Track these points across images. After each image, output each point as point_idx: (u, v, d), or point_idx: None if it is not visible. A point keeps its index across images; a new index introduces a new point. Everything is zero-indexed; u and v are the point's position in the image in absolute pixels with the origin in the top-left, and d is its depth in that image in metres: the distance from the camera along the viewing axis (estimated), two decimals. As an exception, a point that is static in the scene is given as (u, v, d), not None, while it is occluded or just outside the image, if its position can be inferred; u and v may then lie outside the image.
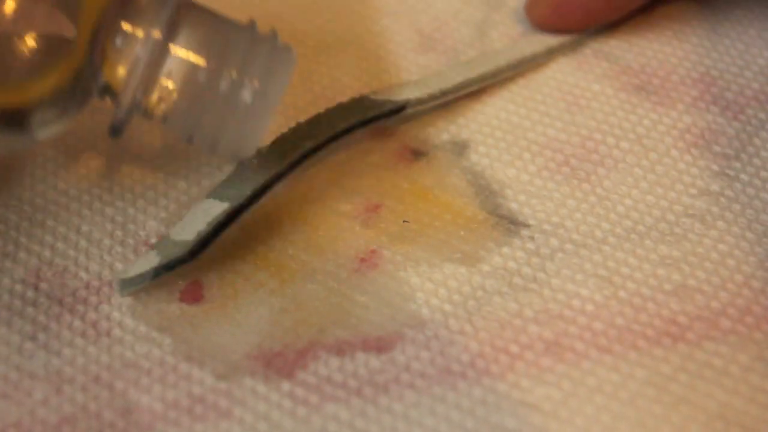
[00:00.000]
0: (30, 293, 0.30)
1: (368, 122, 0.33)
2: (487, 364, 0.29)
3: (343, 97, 0.34)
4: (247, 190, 0.31)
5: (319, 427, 0.28)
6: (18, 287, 0.31)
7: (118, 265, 0.31)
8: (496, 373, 0.29)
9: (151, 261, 0.30)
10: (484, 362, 0.29)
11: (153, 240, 0.32)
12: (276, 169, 0.32)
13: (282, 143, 0.32)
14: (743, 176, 0.33)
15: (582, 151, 0.34)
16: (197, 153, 0.34)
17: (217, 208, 0.31)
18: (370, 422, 0.28)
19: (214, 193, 0.32)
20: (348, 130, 0.33)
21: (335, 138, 0.33)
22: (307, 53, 0.37)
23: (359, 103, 0.34)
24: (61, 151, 0.34)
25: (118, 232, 0.32)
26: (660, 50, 0.37)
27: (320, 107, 0.34)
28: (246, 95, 0.30)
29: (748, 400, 0.28)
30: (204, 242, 0.31)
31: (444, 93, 0.35)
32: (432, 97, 0.34)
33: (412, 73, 0.36)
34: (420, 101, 0.34)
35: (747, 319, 0.30)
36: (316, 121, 0.33)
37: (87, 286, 0.31)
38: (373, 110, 0.33)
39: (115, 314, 0.30)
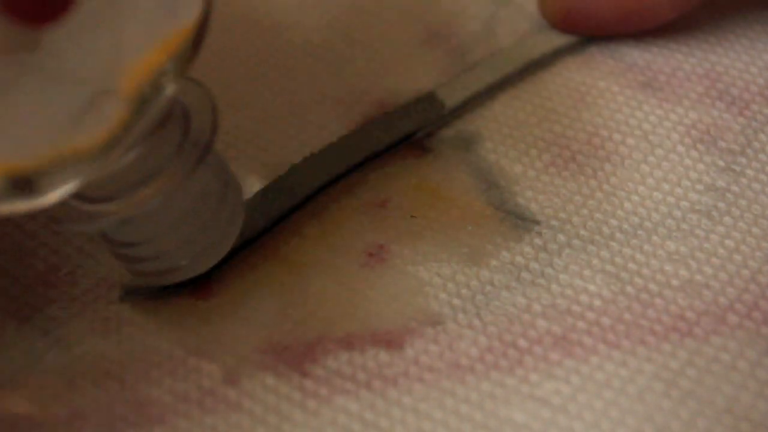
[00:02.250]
0: (43, 290, 0.31)
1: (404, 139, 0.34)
2: (496, 359, 0.29)
3: (350, 96, 0.34)
4: (275, 212, 0.32)
5: (329, 419, 0.28)
6: (32, 284, 0.31)
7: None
8: (505, 368, 0.29)
9: None
10: (492, 356, 0.29)
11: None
12: (307, 191, 0.32)
13: (313, 164, 0.33)
14: (749, 171, 0.33)
15: (589, 148, 0.34)
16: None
17: (242, 228, 0.31)
18: (379, 415, 0.28)
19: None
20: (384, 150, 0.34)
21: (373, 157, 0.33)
22: (315, 52, 0.37)
23: (392, 117, 0.34)
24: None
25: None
26: (665, 46, 0.37)
27: (328, 106, 0.34)
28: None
29: (756, 395, 0.28)
30: (217, 265, 0.31)
31: (463, 103, 0.35)
32: (453, 110, 0.35)
33: (419, 72, 0.36)
34: (442, 117, 0.35)
35: (755, 314, 0.30)
36: (351, 141, 0.34)
37: (98, 284, 0.31)
38: (408, 125, 0.34)
39: (125, 309, 0.30)
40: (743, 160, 0.34)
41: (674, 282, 0.31)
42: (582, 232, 0.32)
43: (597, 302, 0.30)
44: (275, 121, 0.35)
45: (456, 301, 0.30)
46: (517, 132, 0.35)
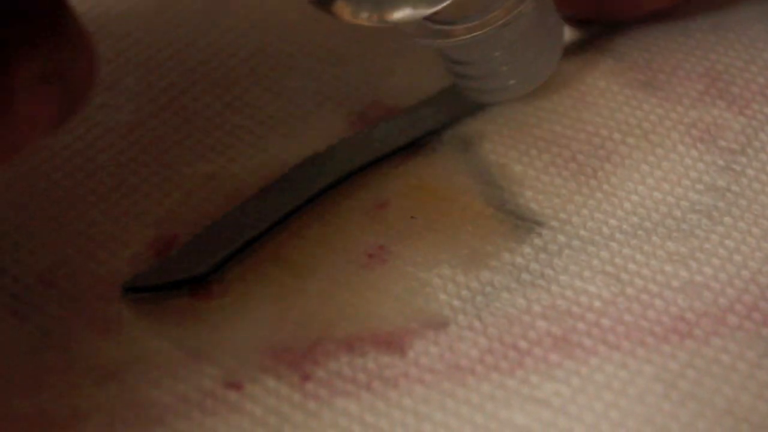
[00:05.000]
0: (44, 289, 0.31)
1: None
2: (496, 360, 0.29)
3: (351, 96, 0.34)
4: (277, 213, 0.32)
5: (329, 421, 0.28)
6: (32, 284, 0.31)
7: (128, 265, 0.31)
8: (505, 369, 0.29)
9: (159, 274, 0.31)
10: (492, 358, 0.29)
11: (158, 230, 0.32)
12: (309, 192, 0.32)
13: (319, 162, 0.33)
14: (749, 171, 0.33)
15: (589, 148, 0.34)
16: (207, 148, 0.34)
17: (244, 229, 0.31)
18: (379, 417, 0.28)
19: (243, 208, 0.32)
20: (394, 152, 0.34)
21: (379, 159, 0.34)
22: (315, 52, 0.37)
23: (401, 121, 0.34)
24: (68, 146, 0.34)
25: (126, 231, 0.32)
26: (665, 46, 0.37)
27: (328, 107, 0.34)
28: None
29: (756, 396, 0.28)
30: (218, 266, 0.31)
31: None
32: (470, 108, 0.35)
33: (420, 72, 0.36)
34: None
35: (755, 315, 0.30)
36: (361, 138, 0.34)
37: (98, 284, 0.31)
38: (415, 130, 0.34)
39: (125, 309, 0.30)
40: (743, 160, 0.34)
41: (674, 283, 0.31)
42: (582, 232, 0.32)
43: (597, 303, 0.30)
44: (275, 122, 0.35)
45: (456, 303, 0.30)
46: (517, 132, 0.35)
